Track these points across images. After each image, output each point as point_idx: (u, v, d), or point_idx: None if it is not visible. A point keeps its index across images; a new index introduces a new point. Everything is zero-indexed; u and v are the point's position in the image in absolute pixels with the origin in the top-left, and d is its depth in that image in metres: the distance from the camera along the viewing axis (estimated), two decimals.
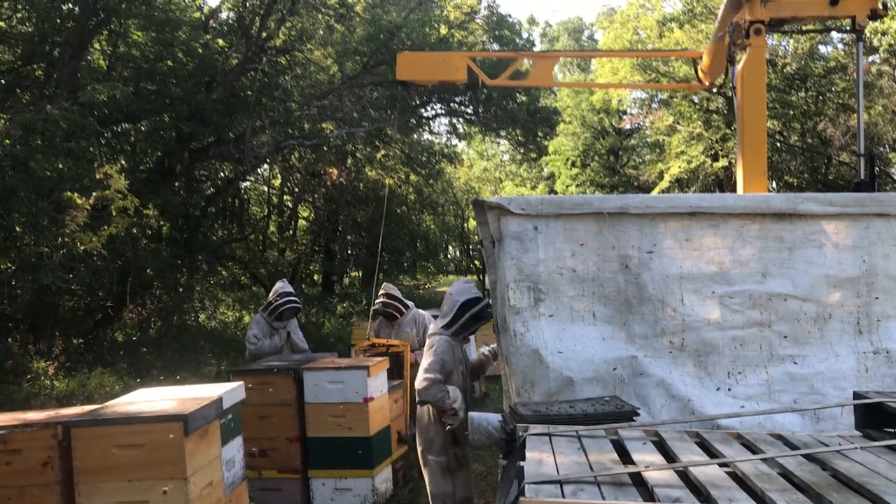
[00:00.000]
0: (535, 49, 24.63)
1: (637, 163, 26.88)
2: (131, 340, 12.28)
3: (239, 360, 9.59)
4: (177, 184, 13.06)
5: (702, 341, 3.84)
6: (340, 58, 13.78)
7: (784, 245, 3.87)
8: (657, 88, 19.93)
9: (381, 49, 12.89)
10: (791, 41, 15.85)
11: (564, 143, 25.64)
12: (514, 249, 3.90)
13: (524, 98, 15.96)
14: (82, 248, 8.43)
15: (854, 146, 11.73)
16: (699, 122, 17.73)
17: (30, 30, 10.55)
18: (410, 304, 7.19)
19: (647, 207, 3.88)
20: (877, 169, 6.08)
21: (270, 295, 7.01)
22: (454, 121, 18.49)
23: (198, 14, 13.33)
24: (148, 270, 12.16)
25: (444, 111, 17.40)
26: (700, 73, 6.77)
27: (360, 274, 21.34)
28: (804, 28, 10.24)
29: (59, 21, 10.31)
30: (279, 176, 18.05)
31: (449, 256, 29.97)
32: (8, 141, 8.11)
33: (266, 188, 19.40)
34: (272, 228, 19.76)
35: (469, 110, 16.91)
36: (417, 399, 4.69)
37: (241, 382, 4.47)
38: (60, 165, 8.43)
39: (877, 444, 2.79)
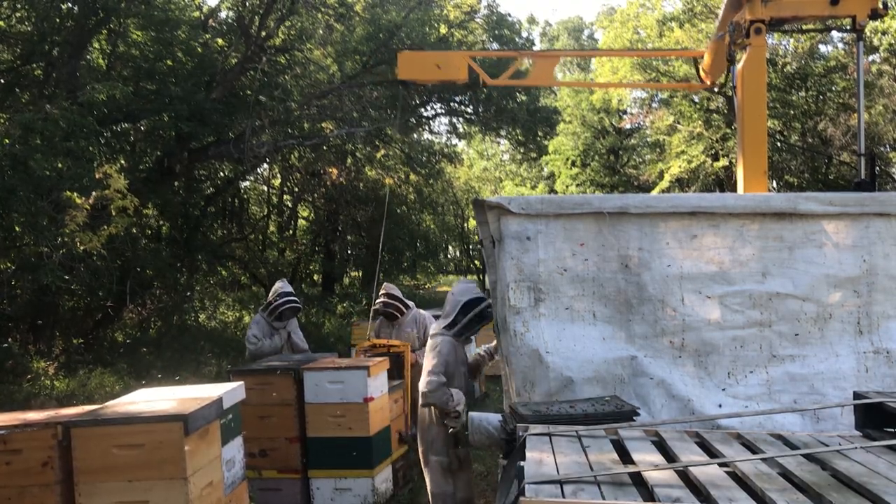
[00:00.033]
0: (535, 48, 24.61)
1: (637, 162, 26.88)
2: (131, 340, 12.28)
3: (239, 360, 9.59)
4: (176, 183, 13.06)
5: (702, 341, 3.83)
6: (340, 57, 13.78)
7: (784, 245, 3.87)
8: (658, 88, 19.93)
9: (381, 48, 12.88)
10: (791, 40, 15.85)
11: (564, 142, 25.64)
12: (514, 249, 3.90)
13: (524, 97, 15.95)
14: (82, 247, 8.43)
15: (854, 146, 11.74)
16: (699, 122, 17.73)
17: (29, 29, 10.55)
18: (411, 304, 7.18)
19: (648, 207, 3.88)
20: (877, 168, 6.07)
21: (270, 295, 7.00)
22: (454, 120, 18.50)
23: (197, 13, 13.33)
24: (148, 270, 12.16)
25: (443, 111, 17.40)
26: (701, 73, 6.76)
27: (360, 274, 21.35)
28: (804, 27, 10.24)
29: (58, 20, 10.31)
30: (279, 176, 18.04)
31: (449, 256, 29.97)
32: (7, 140, 8.10)
33: (266, 188, 19.40)
34: (272, 228, 19.76)
35: (469, 110, 16.90)
36: (421, 401, 4.68)
37: (241, 382, 4.47)
38: (60, 165, 8.43)
39: (877, 444, 2.79)
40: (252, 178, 17.79)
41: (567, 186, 26.03)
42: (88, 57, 11.56)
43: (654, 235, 3.88)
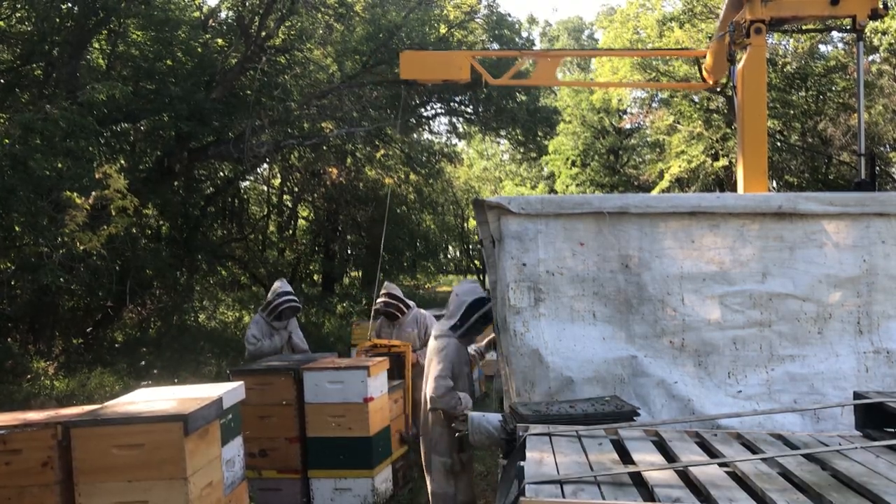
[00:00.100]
0: (535, 48, 24.61)
1: (637, 162, 26.88)
2: (131, 340, 12.28)
3: (239, 360, 9.59)
4: (176, 183, 13.06)
5: (702, 341, 3.83)
6: (340, 57, 13.77)
7: (784, 245, 3.87)
8: (660, 88, 19.91)
9: (381, 48, 12.88)
10: (791, 40, 15.85)
11: (564, 142, 25.65)
12: (514, 249, 3.89)
13: (524, 97, 15.95)
14: (82, 247, 8.43)
15: (854, 146, 11.73)
16: (699, 122, 17.72)
17: (29, 29, 10.55)
18: (412, 303, 7.18)
19: (648, 207, 3.87)
20: (877, 168, 6.07)
21: (269, 295, 6.99)
22: (454, 120, 18.50)
23: (197, 13, 13.33)
24: (148, 270, 12.16)
25: (443, 111, 17.40)
26: (704, 73, 6.76)
27: (360, 274, 21.35)
28: (804, 27, 10.23)
29: (58, 20, 10.31)
30: (279, 175, 18.04)
31: (449, 256, 29.95)
32: (7, 140, 8.10)
33: (266, 188, 19.40)
34: (272, 228, 19.76)
35: (469, 110, 16.90)
36: (429, 405, 4.66)
37: (241, 382, 4.47)
38: (60, 165, 8.43)
39: (877, 444, 2.79)
40: (252, 178, 17.79)
41: (567, 186, 26.03)
42: (88, 57, 11.56)
43: (654, 235, 3.87)
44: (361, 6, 14.25)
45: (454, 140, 21.55)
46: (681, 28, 16.32)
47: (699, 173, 18.04)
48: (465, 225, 26.83)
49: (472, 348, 5.09)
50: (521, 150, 20.36)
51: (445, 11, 15.05)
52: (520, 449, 2.82)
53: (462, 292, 4.78)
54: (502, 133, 18.40)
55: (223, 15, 13.62)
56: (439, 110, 17.35)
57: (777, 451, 2.72)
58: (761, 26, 5.31)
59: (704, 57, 6.76)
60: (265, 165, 16.45)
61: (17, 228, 8.65)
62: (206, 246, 14.56)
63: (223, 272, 16.59)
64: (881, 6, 5.42)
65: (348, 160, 15.92)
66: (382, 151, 15.84)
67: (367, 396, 5.56)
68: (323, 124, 13.03)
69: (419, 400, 5.30)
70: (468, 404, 4.56)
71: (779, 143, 15.59)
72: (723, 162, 17.06)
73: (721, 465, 2.57)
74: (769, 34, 6.55)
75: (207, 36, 12.22)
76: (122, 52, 11.73)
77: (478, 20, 15.80)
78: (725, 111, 16.48)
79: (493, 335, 5.18)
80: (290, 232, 20.36)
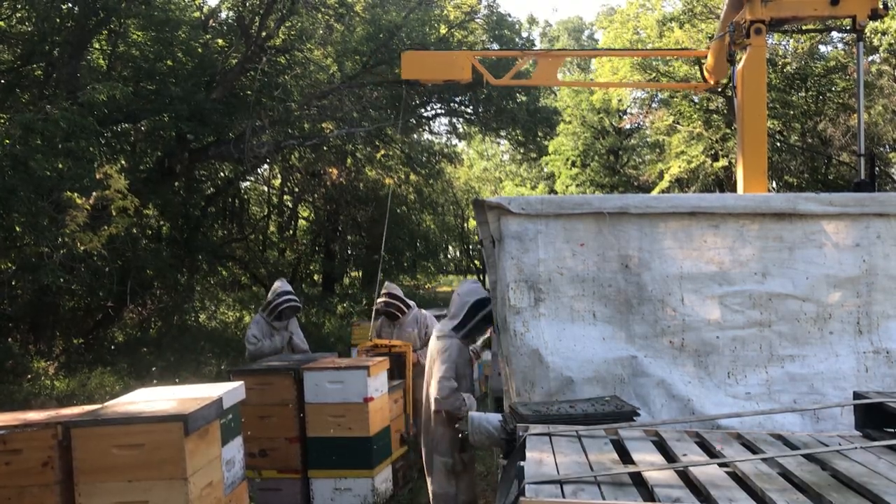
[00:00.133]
0: (535, 48, 24.61)
1: (637, 163, 26.89)
2: (131, 340, 12.29)
3: (239, 360, 9.59)
4: (177, 184, 13.07)
5: (702, 341, 3.83)
6: (340, 57, 13.78)
7: (784, 245, 3.87)
8: (661, 88, 19.90)
9: (381, 49, 12.89)
10: (791, 41, 15.85)
11: (564, 142, 25.64)
12: (514, 249, 3.89)
13: (524, 98, 15.95)
14: (82, 248, 8.43)
15: (854, 146, 11.73)
16: (699, 122, 17.72)
17: (29, 29, 10.56)
18: (412, 303, 7.18)
19: (648, 207, 3.87)
20: (877, 169, 6.08)
21: (269, 294, 6.99)
22: (454, 120, 18.49)
23: (197, 14, 13.34)
24: (148, 270, 12.16)
25: (443, 111, 17.39)
26: (705, 73, 6.77)
27: (361, 274, 21.35)
28: (804, 28, 10.24)
29: (58, 21, 10.31)
30: (279, 176, 18.05)
31: (449, 256, 29.96)
32: (8, 141, 8.10)
33: (266, 188, 19.41)
34: (272, 228, 19.77)
35: (469, 110, 16.91)
36: (434, 407, 4.66)
37: (241, 382, 4.47)
38: (60, 165, 8.43)
39: (877, 444, 2.79)
40: (252, 179, 17.80)
41: (567, 187, 26.03)
42: (89, 57, 11.57)
43: (654, 236, 3.88)
44: (361, 6, 14.26)
45: (454, 140, 21.59)
46: (681, 28, 16.32)
47: (699, 174, 18.04)
48: (465, 225, 26.84)
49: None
50: (521, 151, 20.36)
51: (445, 11, 15.06)
52: (520, 449, 2.82)
53: (464, 293, 4.78)
54: (502, 133, 18.40)
55: (223, 15, 13.64)
56: (439, 111, 17.36)
57: (777, 451, 2.72)
58: (761, 26, 5.31)
59: (705, 57, 6.77)
60: (265, 166, 16.46)
61: (17, 229, 8.66)
62: (206, 246, 14.56)
63: (224, 272, 16.60)
64: (881, 6, 5.43)
65: (348, 160, 15.92)
66: (382, 152, 15.85)
67: (367, 396, 5.56)
68: (323, 125, 13.04)
69: (420, 400, 5.30)
70: (472, 405, 4.57)
71: (778, 144, 15.59)
72: (723, 162, 17.06)
73: (721, 465, 2.57)
74: (769, 34, 6.55)
75: (208, 36, 12.22)
76: (122, 53, 11.74)
77: (478, 20, 15.81)
78: (725, 111, 16.48)
79: (486, 335, 5.20)
80: (291, 232, 20.37)
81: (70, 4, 10.55)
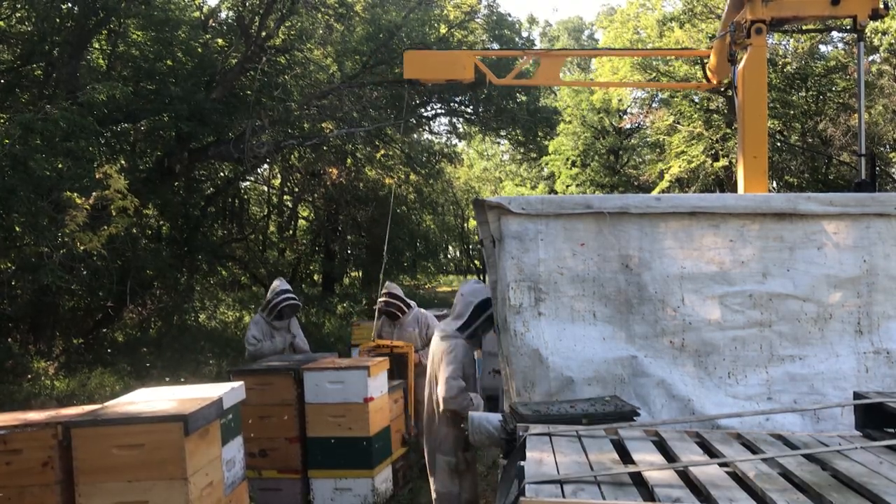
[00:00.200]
0: (535, 48, 24.60)
1: (637, 162, 26.88)
2: (131, 340, 12.29)
3: (239, 360, 9.59)
4: (176, 184, 13.06)
5: (702, 341, 3.83)
6: (340, 57, 13.78)
7: (784, 245, 3.87)
8: (663, 87, 19.90)
9: (381, 48, 12.89)
10: (791, 41, 15.86)
11: (564, 142, 25.63)
12: (514, 249, 3.89)
13: (524, 98, 15.96)
14: (82, 248, 8.42)
15: (855, 146, 11.73)
16: (699, 122, 17.73)
17: (29, 29, 10.56)
18: (413, 303, 7.18)
19: (648, 207, 3.87)
20: (877, 169, 6.08)
21: (268, 294, 6.98)
22: (454, 120, 18.50)
23: (197, 13, 13.34)
24: (148, 270, 12.16)
25: (443, 111, 17.40)
26: (708, 73, 6.77)
27: (361, 274, 21.35)
28: (805, 27, 10.24)
29: (58, 20, 10.31)
30: (279, 176, 18.05)
31: (449, 256, 29.97)
32: (7, 141, 8.10)
33: (266, 188, 19.41)
34: (272, 228, 19.78)
35: (469, 110, 16.91)
36: (441, 407, 4.66)
37: (242, 382, 4.46)
38: (60, 165, 8.43)
39: (877, 444, 2.79)
40: (252, 179, 17.80)
41: (567, 186, 26.02)
42: (88, 57, 11.57)
43: (654, 235, 3.88)
44: (361, 6, 14.26)
45: (454, 140, 21.58)
46: (681, 28, 16.32)
47: (699, 173, 18.04)
48: (465, 225, 26.85)
49: None
50: (521, 151, 20.37)
51: (445, 11, 15.06)
52: (520, 449, 2.82)
53: (469, 293, 4.77)
54: (502, 133, 18.41)
55: (223, 15, 13.64)
56: (439, 110, 17.36)
57: (777, 452, 2.72)
58: (762, 26, 5.31)
59: (708, 57, 6.77)
60: (265, 166, 16.46)
61: (17, 228, 8.65)
62: (206, 246, 14.56)
63: (223, 272, 16.59)
64: (882, 6, 5.43)
65: (348, 160, 15.92)
66: (383, 151, 15.85)
67: (367, 396, 5.56)
68: (323, 124, 13.03)
69: (421, 400, 5.30)
70: (479, 405, 4.57)
71: (779, 144, 15.59)
72: (723, 162, 17.06)
73: (721, 465, 2.57)
74: (770, 34, 6.55)
75: (207, 36, 12.22)
76: (122, 53, 11.74)
77: (478, 20, 15.81)
78: (725, 111, 16.49)
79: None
80: (291, 232, 20.37)
81: (70, 4, 10.55)
